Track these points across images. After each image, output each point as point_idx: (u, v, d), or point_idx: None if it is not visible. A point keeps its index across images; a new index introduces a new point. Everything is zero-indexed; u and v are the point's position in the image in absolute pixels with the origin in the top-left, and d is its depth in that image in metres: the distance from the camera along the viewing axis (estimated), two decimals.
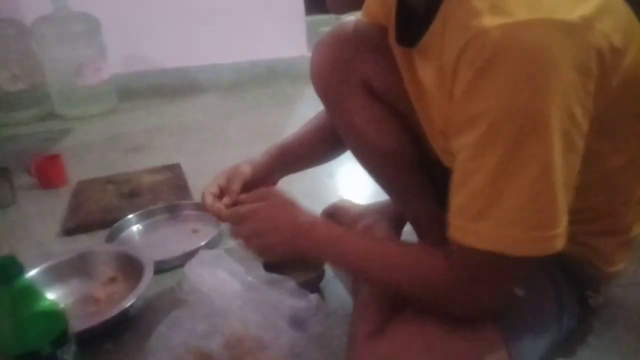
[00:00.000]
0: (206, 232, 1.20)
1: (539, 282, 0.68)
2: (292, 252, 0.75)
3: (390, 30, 0.75)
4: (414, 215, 0.92)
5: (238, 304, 0.73)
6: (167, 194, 1.41)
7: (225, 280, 0.77)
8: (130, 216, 1.26)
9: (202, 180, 1.50)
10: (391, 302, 0.72)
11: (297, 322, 0.72)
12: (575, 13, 0.50)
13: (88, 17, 2.34)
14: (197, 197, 1.39)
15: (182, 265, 1.02)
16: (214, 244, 1.12)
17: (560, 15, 0.50)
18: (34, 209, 1.45)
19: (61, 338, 0.69)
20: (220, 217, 0.82)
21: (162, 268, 1.03)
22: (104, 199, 1.41)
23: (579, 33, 0.50)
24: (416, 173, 0.83)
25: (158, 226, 1.27)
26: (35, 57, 2.34)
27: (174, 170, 1.58)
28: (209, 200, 0.84)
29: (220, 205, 0.83)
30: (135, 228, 1.25)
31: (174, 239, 1.20)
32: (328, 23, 1.94)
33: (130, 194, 1.43)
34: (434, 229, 0.82)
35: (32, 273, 0.96)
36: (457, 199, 0.56)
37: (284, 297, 0.74)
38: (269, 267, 0.91)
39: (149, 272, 0.93)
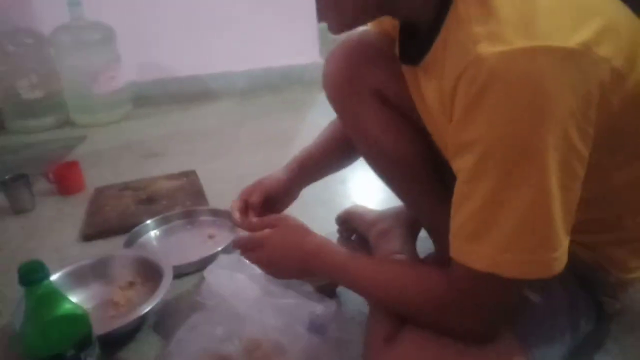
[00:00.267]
0: (222, 237, 1.21)
1: (555, 288, 0.68)
2: (304, 275, 0.78)
3: (396, 46, 0.76)
4: (429, 222, 0.92)
5: (257, 309, 0.74)
6: (183, 199, 1.43)
7: (244, 284, 0.78)
8: (147, 222, 1.28)
9: (217, 186, 1.54)
10: None
11: (315, 326, 0.73)
12: (574, 39, 0.50)
13: (103, 26, 2.38)
14: (212, 203, 1.42)
15: (198, 270, 1.05)
16: (230, 250, 1.13)
17: (558, 42, 0.49)
18: (53, 215, 1.47)
19: (85, 341, 0.70)
20: (235, 245, 0.83)
21: (179, 273, 1.05)
22: (121, 205, 1.43)
23: (577, 61, 0.50)
24: (430, 179, 0.84)
25: (175, 232, 1.28)
26: (52, 66, 2.39)
27: (190, 176, 1.60)
28: (237, 216, 0.86)
29: (248, 220, 0.85)
30: (153, 233, 1.27)
31: (190, 245, 1.21)
32: None
33: (147, 200, 1.45)
34: (448, 235, 0.82)
35: (52, 278, 0.97)
36: (456, 219, 0.57)
37: (303, 301, 0.75)
38: None
39: (168, 277, 0.94)
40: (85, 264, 1.05)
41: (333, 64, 0.84)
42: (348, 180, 1.48)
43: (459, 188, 0.56)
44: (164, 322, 0.93)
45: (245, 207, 0.88)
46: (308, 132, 1.01)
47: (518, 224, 0.52)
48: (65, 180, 1.59)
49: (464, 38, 0.54)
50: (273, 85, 2.78)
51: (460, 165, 0.55)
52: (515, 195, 0.51)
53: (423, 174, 0.83)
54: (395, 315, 0.70)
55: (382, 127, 0.82)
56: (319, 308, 0.74)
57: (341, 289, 0.95)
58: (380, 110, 0.82)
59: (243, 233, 0.81)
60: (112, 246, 1.24)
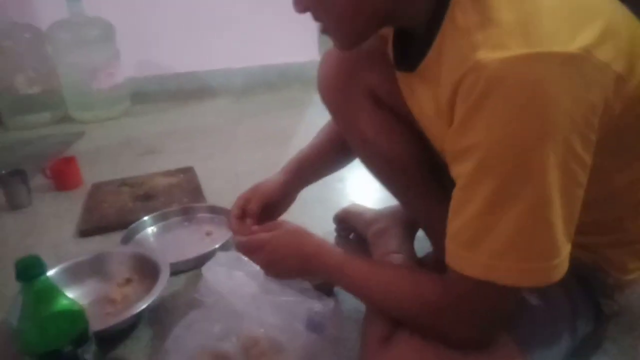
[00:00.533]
0: (220, 234, 1.21)
1: (553, 289, 0.67)
2: (304, 276, 0.79)
3: (389, 52, 0.76)
4: (426, 222, 0.92)
5: (255, 306, 0.74)
6: (180, 196, 1.43)
7: (242, 282, 0.78)
8: (145, 218, 1.27)
9: (215, 183, 1.54)
10: None
11: (313, 324, 0.73)
12: (575, 43, 0.49)
13: (103, 22, 2.37)
14: (210, 200, 1.41)
15: (196, 267, 1.04)
16: (227, 247, 1.13)
17: (558, 47, 0.49)
18: (50, 211, 1.47)
19: (82, 337, 0.70)
20: (237, 247, 0.83)
21: (176, 270, 1.04)
22: (118, 201, 1.43)
23: (579, 66, 0.49)
24: (426, 179, 0.84)
25: (172, 228, 1.28)
26: (50, 61, 2.38)
27: (187, 173, 1.60)
28: (234, 224, 0.86)
29: (247, 228, 0.85)
30: (150, 230, 1.27)
31: (188, 241, 1.21)
32: None
33: (145, 196, 1.45)
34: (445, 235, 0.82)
35: (49, 274, 0.96)
36: (453, 224, 0.56)
37: (301, 299, 0.75)
38: None
39: (165, 274, 0.94)
40: (82, 260, 1.04)
41: (327, 66, 0.84)
42: (346, 179, 1.48)
43: (457, 193, 0.56)
44: (160, 319, 0.93)
45: (243, 213, 0.88)
46: (306, 131, 1.01)
47: (515, 231, 0.51)
48: (62, 175, 1.59)
49: (462, 44, 0.53)
50: (271, 83, 2.78)
51: (459, 170, 0.55)
52: (514, 203, 0.51)
53: (419, 174, 0.83)
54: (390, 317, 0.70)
55: (376, 128, 0.82)
56: (317, 306, 0.74)
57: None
58: (374, 111, 0.81)
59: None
60: (109, 242, 1.24)
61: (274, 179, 0.93)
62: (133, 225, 1.24)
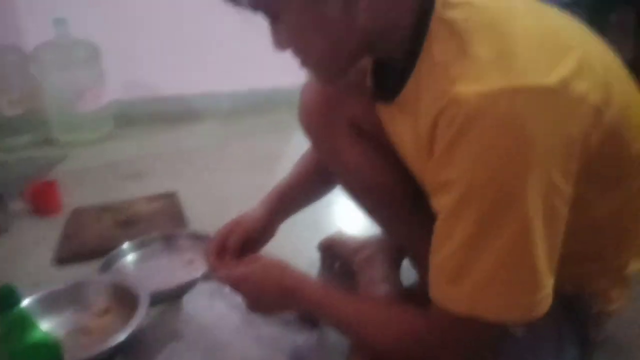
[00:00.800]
0: (201, 262, 1.17)
1: (538, 320, 0.68)
2: (284, 310, 0.78)
3: (368, 83, 0.76)
4: (411, 250, 0.92)
5: (238, 338, 0.72)
6: (163, 222, 1.40)
7: (224, 313, 0.76)
8: (124, 246, 1.24)
9: (199, 208, 1.51)
10: None
11: (297, 357, 0.71)
12: (552, 76, 0.50)
13: (88, 44, 2.36)
14: (194, 226, 1.39)
15: (177, 296, 1.01)
16: (209, 276, 1.10)
17: (536, 81, 0.49)
18: (28, 237, 1.42)
19: None
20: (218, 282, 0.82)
21: (156, 299, 1.01)
22: (98, 228, 1.40)
23: (556, 99, 0.50)
24: (411, 209, 0.83)
25: (153, 256, 1.25)
26: (35, 83, 2.35)
27: (170, 198, 1.57)
28: (212, 261, 0.85)
29: (224, 266, 0.84)
30: (130, 257, 1.24)
31: (169, 270, 1.18)
32: None
33: (126, 222, 1.42)
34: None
35: (24, 303, 0.93)
36: (435, 258, 0.56)
37: (284, 331, 0.73)
38: None
39: (144, 304, 0.92)
40: (59, 289, 1.02)
41: (308, 96, 0.84)
42: (333, 204, 1.47)
43: (438, 227, 0.56)
44: (139, 351, 0.90)
45: (222, 248, 0.86)
46: (293, 154, 1.00)
47: (497, 267, 0.51)
48: (41, 200, 1.54)
49: (439, 77, 0.54)
50: (258, 107, 2.78)
51: (440, 203, 0.55)
52: (495, 238, 0.51)
53: (403, 204, 0.83)
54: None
55: (359, 158, 0.82)
56: (301, 338, 0.73)
57: None
58: (356, 141, 0.81)
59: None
60: (88, 270, 1.20)
61: (254, 214, 0.92)
62: (112, 252, 1.21)
